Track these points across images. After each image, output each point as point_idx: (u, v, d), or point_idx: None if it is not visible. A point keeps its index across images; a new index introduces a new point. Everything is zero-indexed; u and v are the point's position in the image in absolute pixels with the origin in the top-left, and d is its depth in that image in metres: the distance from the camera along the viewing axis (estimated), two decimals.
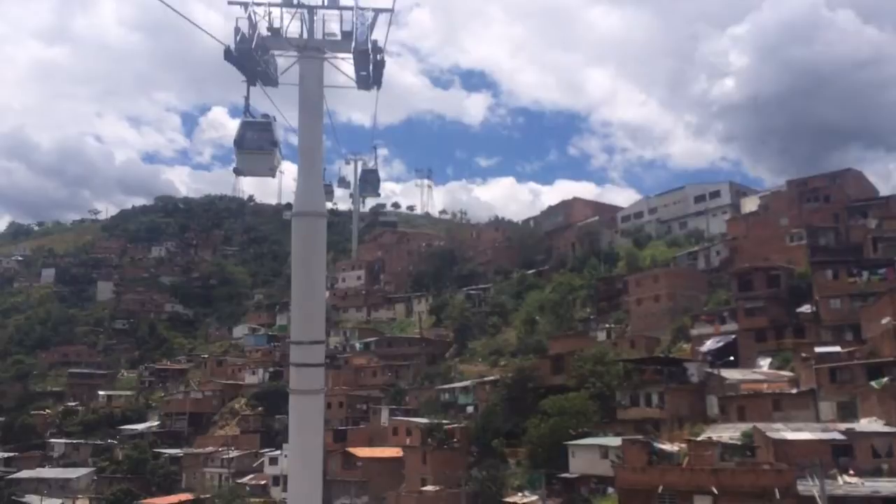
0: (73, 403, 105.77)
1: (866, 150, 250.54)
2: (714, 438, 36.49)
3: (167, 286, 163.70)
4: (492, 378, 68.30)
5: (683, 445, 37.35)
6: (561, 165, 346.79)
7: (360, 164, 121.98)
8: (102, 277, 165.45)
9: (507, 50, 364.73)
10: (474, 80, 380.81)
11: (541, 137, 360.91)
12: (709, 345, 52.99)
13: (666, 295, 64.01)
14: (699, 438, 37.86)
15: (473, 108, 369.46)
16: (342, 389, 79.79)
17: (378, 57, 21.80)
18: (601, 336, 67.46)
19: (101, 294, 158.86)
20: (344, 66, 22.80)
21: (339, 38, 21.96)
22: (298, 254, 21.64)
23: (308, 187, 21.36)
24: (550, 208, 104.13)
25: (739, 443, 33.81)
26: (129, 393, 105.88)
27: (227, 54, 20.17)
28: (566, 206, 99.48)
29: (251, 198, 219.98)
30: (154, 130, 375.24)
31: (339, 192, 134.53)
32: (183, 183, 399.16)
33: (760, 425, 34.52)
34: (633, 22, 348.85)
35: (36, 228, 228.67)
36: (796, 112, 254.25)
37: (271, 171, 19.76)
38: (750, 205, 78.08)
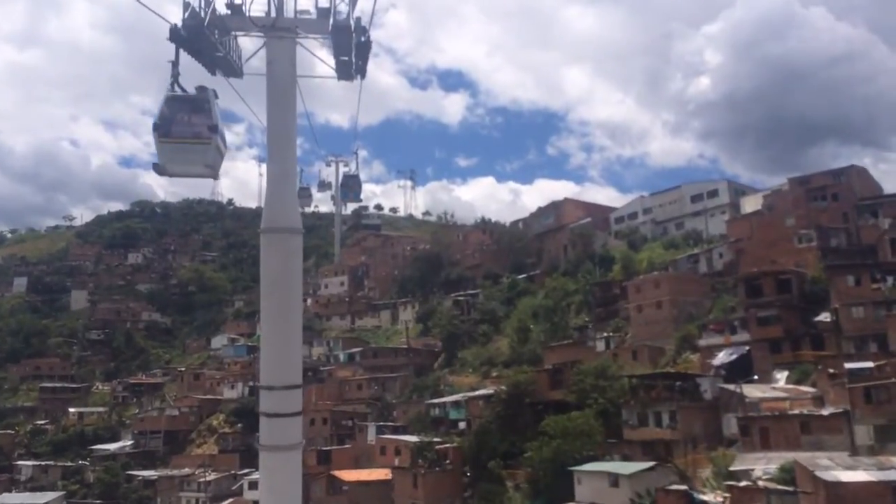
0: (43, 422, 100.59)
1: (842, 145, 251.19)
2: (752, 476, 32.49)
3: (144, 294, 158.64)
4: (485, 392, 64.38)
5: (727, 495, 33.11)
6: (540, 165, 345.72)
7: (341, 165, 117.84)
8: (76, 286, 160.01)
9: (484, 49, 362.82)
10: (452, 80, 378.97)
11: (519, 137, 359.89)
12: (721, 357, 49.36)
13: (668, 301, 60.42)
14: (733, 470, 34.12)
15: (452, 107, 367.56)
16: (326, 405, 75.65)
17: (362, 38, 17.81)
18: (600, 345, 63.80)
19: (76, 303, 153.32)
20: (321, 51, 18.68)
21: (313, 15, 17.99)
22: (269, 278, 17.55)
23: (280, 196, 17.29)
24: (540, 209, 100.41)
25: (790, 488, 29.67)
26: (101, 409, 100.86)
27: (174, 34, 16.05)
28: (556, 207, 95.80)
29: (230, 201, 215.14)
30: (130, 134, 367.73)
31: (319, 195, 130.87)
32: (161, 187, 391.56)
33: (801, 459, 30.83)
34: (609, 21, 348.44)
35: (9, 236, 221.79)
36: (772, 108, 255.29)
37: (210, 170, 14.36)
38: (750, 204, 74.80)
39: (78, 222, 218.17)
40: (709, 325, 54.92)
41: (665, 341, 59.13)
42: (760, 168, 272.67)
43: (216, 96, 14.84)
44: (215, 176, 15.46)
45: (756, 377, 46.58)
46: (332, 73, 19.61)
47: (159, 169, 14.04)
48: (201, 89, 14.54)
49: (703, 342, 53.67)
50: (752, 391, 42.01)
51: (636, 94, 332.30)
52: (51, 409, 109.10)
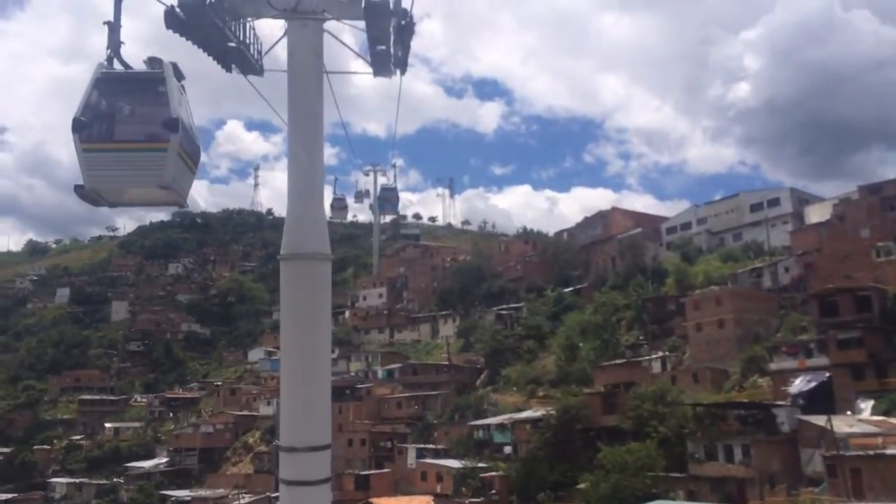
0: (79, 437, 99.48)
1: (888, 150, 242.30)
2: None
3: (184, 304, 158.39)
4: (532, 415, 60.60)
5: None
6: (577, 172, 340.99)
7: (378, 174, 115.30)
8: (117, 296, 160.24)
9: (519, 58, 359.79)
10: (487, 89, 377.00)
11: (555, 145, 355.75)
12: (798, 385, 44.76)
13: (732, 320, 55.88)
14: None
15: (487, 116, 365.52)
16: (364, 424, 72.50)
17: (403, 22, 14.51)
18: (655, 366, 59.56)
19: (116, 314, 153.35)
20: (352, 39, 15.07)
21: None
22: (292, 313, 14.24)
23: (304, 215, 13.99)
24: (586, 219, 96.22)
25: None
26: (137, 425, 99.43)
27: (169, 18, 12.90)
28: (604, 216, 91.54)
29: (270, 211, 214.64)
30: None
31: (356, 205, 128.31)
32: (202, 197, 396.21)
33: None
34: (645, 27, 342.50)
35: (53, 246, 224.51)
36: (815, 114, 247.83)
37: (172, 194, 9.27)
38: (816, 214, 69.80)
39: (121, 233, 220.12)
40: (780, 346, 50.30)
41: (728, 363, 54.66)
42: (803, 174, 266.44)
43: (180, 74, 10.12)
44: (181, 201, 9.75)
45: (838, 407, 42.04)
46: (367, 68, 16.22)
47: (85, 194, 9.11)
48: (154, 62, 9.69)
49: (774, 366, 49.09)
50: (838, 424, 37.53)
51: (674, 100, 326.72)
52: (89, 421, 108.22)
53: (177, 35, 13.62)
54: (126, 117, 9.13)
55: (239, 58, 15.07)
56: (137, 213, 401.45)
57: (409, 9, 14.35)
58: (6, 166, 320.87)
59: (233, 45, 14.50)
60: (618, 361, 62.81)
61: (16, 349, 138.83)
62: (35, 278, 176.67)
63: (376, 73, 16.37)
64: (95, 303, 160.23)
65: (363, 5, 13.61)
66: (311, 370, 14.27)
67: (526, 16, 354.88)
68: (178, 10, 13.02)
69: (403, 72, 16.38)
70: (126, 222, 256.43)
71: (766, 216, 74.32)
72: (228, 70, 15.57)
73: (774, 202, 74.99)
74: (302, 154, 14.47)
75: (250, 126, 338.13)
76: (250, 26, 15.06)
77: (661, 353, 61.52)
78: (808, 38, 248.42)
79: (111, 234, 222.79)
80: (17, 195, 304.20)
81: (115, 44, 9.80)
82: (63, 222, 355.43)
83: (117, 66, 9.67)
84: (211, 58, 15.02)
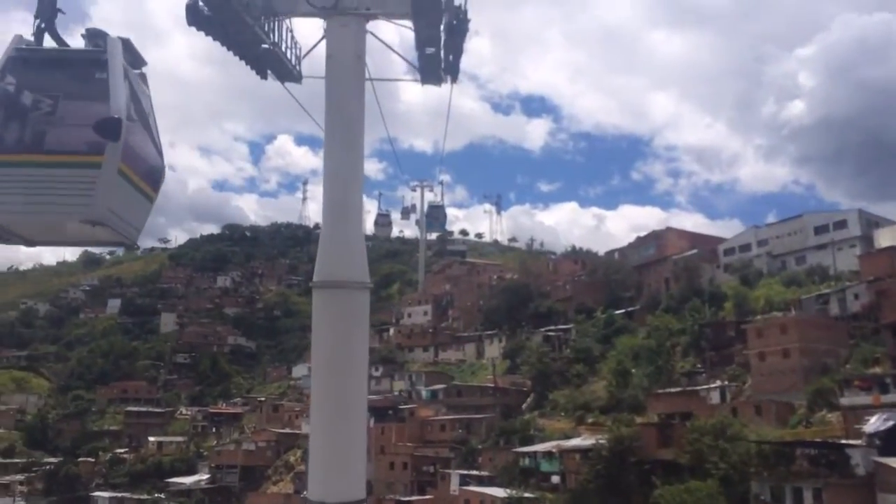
0: (122, 450, 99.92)
1: None
2: None
3: (231, 317, 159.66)
4: (582, 443, 57.88)
5: None
6: (624, 190, 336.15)
7: (425, 190, 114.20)
8: (167, 308, 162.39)
9: (567, 75, 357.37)
10: (534, 106, 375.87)
11: (603, 162, 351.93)
12: (875, 423, 41.17)
13: (798, 349, 52.41)
14: None
15: (534, 133, 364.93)
16: (406, 447, 70.64)
17: (454, 21, 12.72)
18: (714, 397, 56.34)
19: (165, 326, 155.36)
20: (397, 39, 13.41)
21: None
22: (325, 349, 12.55)
23: (340, 238, 12.29)
24: (639, 239, 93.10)
25: None
26: (180, 439, 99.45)
27: (192, 13, 11.38)
28: (658, 236, 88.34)
29: (317, 225, 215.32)
30: (223, 160, 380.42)
31: (402, 222, 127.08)
32: (251, 210, 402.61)
33: None
34: (696, 45, 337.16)
35: (107, 257, 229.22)
36: (872, 133, 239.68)
37: (115, 232, 7.18)
38: (886, 238, 65.65)
39: (172, 245, 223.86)
40: (852, 380, 46.79)
41: (794, 396, 51.18)
42: (861, 195, 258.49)
43: (135, 57, 7.47)
44: (127, 239, 7.48)
45: None
46: (411, 74, 14.52)
47: None
48: (94, 36, 7.02)
49: (845, 401, 45.58)
50: None
51: (726, 118, 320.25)
52: (134, 433, 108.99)
53: (203, 34, 12.03)
54: (44, 117, 6.28)
55: (275, 63, 13.35)
56: (189, 226, 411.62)
57: (462, 4, 12.51)
58: None
59: (267, 47, 12.82)
60: (673, 390, 59.72)
61: (67, 359, 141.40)
62: (88, 289, 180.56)
63: (424, 80, 14.49)
64: (145, 314, 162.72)
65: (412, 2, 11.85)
66: (345, 417, 12.36)
67: (575, 33, 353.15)
68: (201, 3, 11.43)
69: (455, 79, 14.45)
70: (178, 234, 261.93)
71: (833, 239, 70.37)
72: (263, 76, 13.88)
73: (841, 224, 71.01)
74: (340, 168, 12.71)
75: (300, 141, 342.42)
76: (287, 27, 13.39)
77: (719, 383, 58.24)
78: (864, 56, 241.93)
79: (163, 245, 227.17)
80: None
81: (46, 9, 6.73)
82: None
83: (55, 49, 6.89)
84: (244, 62, 13.40)
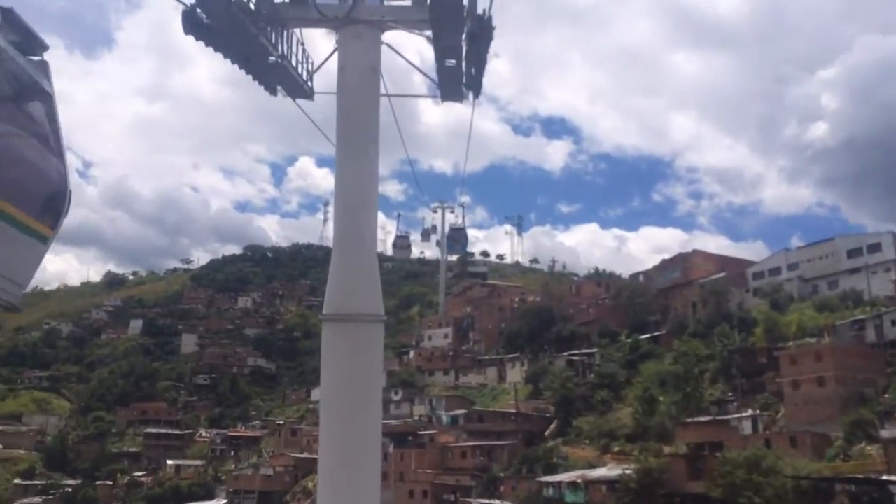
0: (141, 473, 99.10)
1: None
2: None
3: (251, 339, 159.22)
4: (607, 473, 56.02)
5: None
6: (645, 211, 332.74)
7: (446, 211, 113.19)
8: (188, 329, 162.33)
9: (587, 96, 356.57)
10: (555, 127, 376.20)
11: (624, 183, 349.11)
12: None
13: (834, 378, 50.39)
14: None
15: (554, 154, 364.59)
16: (426, 474, 69.06)
17: (477, 30, 11.61)
18: (746, 427, 54.25)
19: (186, 346, 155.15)
20: (414, 53, 12.30)
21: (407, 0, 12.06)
22: (333, 392, 11.41)
23: (352, 266, 11.16)
24: (664, 262, 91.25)
25: None
26: (198, 463, 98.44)
27: (188, 20, 10.40)
28: (684, 259, 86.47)
29: None
30: (246, 181, 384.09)
31: (422, 243, 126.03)
32: (273, 231, 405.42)
33: None
34: (717, 66, 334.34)
35: (130, 278, 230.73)
36: None
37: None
38: None
39: (195, 265, 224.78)
40: (893, 411, 44.67)
41: (830, 427, 49.06)
42: (886, 217, 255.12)
43: (27, 38, 5.42)
44: (7, 302, 5.78)
45: None
46: (429, 89, 13.42)
47: None
48: None
49: (886, 433, 43.47)
50: None
51: (748, 139, 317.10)
52: (153, 456, 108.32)
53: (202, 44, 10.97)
54: None
55: (284, 77, 12.30)
56: (212, 246, 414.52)
57: (486, 10, 11.37)
58: (91, 199, 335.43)
59: (275, 60, 11.75)
60: (702, 419, 57.73)
61: (88, 379, 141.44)
62: (110, 309, 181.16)
63: (444, 96, 13.28)
64: (166, 335, 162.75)
65: (428, 3, 10.75)
66: (356, 466, 11.12)
67: (594, 54, 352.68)
68: (199, 11, 10.43)
69: (477, 94, 13.21)
70: (201, 255, 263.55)
71: (867, 262, 68.17)
72: (273, 92, 12.75)
73: (875, 247, 68.85)
74: (352, 190, 11.53)
75: (321, 162, 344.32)
76: (297, 39, 12.33)
77: (751, 412, 56.17)
78: (888, 77, 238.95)
79: (185, 266, 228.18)
80: (100, 227, 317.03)
81: None
82: (142, 254, 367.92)
83: None
84: (251, 77, 12.35)
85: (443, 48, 11.74)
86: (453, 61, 12.04)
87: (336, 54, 11.93)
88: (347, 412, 11.10)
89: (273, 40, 11.43)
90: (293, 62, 12.11)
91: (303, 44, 12.36)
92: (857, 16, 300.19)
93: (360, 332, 11.27)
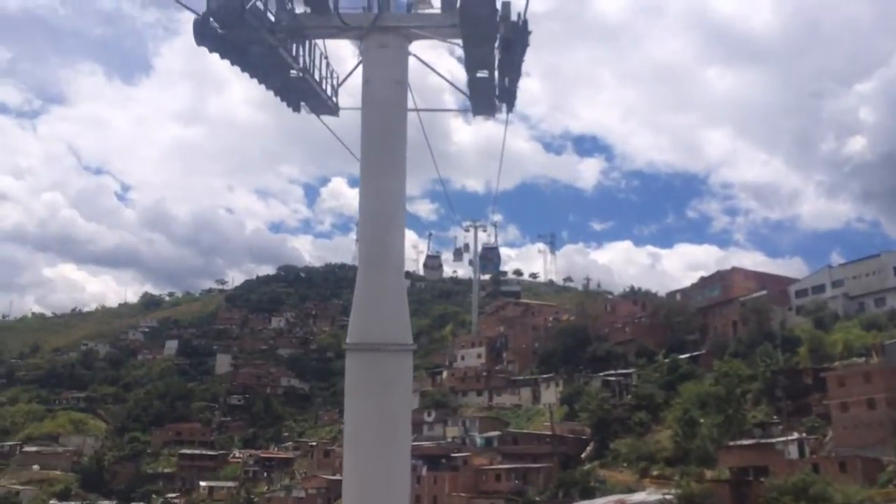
0: (174, 495, 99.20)
1: None
2: None
3: (285, 359, 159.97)
4: (647, 498, 54.15)
5: None
6: (679, 228, 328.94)
7: (479, 230, 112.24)
8: (222, 349, 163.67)
9: (619, 114, 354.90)
10: (586, 145, 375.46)
11: (657, 200, 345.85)
12: None
13: (885, 400, 48.29)
14: None
15: (587, 172, 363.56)
16: (460, 498, 67.79)
17: (511, 36, 10.83)
18: (792, 451, 52.20)
19: (220, 367, 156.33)
20: (444, 71, 11.71)
21: (436, 6, 11.34)
22: (359, 423, 10.62)
23: (379, 293, 10.42)
24: (703, 279, 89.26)
25: None
26: (231, 484, 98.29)
27: (200, 30, 9.81)
28: (723, 277, 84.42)
29: None
30: (279, 202, 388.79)
31: (454, 262, 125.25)
32: (306, 251, 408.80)
33: None
34: (750, 81, 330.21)
35: (167, 299, 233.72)
36: None
37: None
38: None
39: (229, 286, 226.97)
40: None
41: (881, 451, 46.93)
42: None
43: None
44: None
45: None
46: (458, 105, 12.47)
47: None
48: None
49: None
50: None
51: (784, 154, 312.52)
52: (187, 476, 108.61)
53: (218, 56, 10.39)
54: None
55: (308, 93, 11.65)
56: (246, 267, 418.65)
57: (520, 15, 10.64)
58: (130, 222, 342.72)
59: (297, 73, 11.13)
60: (746, 442, 55.75)
61: (125, 400, 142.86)
62: (147, 330, 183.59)
63: (476, 110, 12.48)
64: (201, 355, 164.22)
65: (458, 8, 10.04)
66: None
67: (626, 72, 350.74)
68: (212, 21, 9.83)
69: (511, 106, 12.33)
70: (236, 275, 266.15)
71: None
72: (296, 109, 12.05)
73: None
74: (378, 210, 10.78)
75: (353, 182, 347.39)
76: (321, 53, 11.71)
77: (797, 435, 54.04)
78: None
79: (220, 287, 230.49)
80: (138, 248, 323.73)
81: None
82: (179, 275, 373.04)
83: None
84: (272, 92, 11.74)
85: (474, 57, 11.01)
86: (485, 72, 11.31)
87: (361, 67, 11.26)
88: (373, 450, 10.30)
89: (294, 53, 10.81)
90: (316, 76, 11.48)
91: (326, 56, 11.72)
92: (894, 29, 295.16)
93: (387, 363, 10.52)
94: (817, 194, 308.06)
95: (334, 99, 12.14)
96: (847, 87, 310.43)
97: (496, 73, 11.36)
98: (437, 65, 13.20)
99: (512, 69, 11.08)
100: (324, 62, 11.63)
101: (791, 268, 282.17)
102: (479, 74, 11.29)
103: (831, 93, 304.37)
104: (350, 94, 11.99)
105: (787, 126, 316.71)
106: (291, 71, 10.86)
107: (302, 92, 11.48)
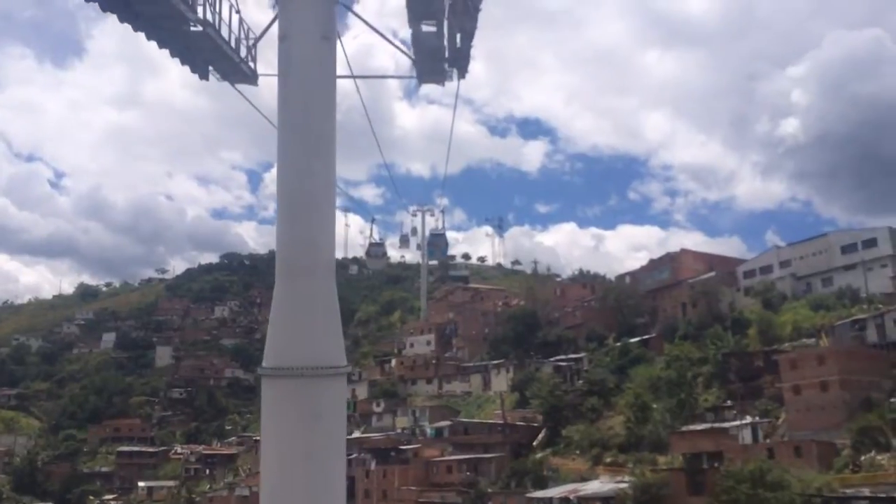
0: (111, 497, 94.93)
1: None
2: None
3: (229, 349, 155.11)
4: (601, 488, 53.15)
5: None
6: (622, 210, 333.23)
7: (426, 215, 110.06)
8: (162, 341, 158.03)
9: (562, 97, 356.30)
10: (531, 128, 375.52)
11: (600, 182, 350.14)
12: None
13: (838, 382, 47.93)
14: None
15: (531, 155, 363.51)
16: (411, 492, 65.85)
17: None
18: (746, 435, 51.62)
19: (161, 359, 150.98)
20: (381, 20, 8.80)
21: None
22: (277, 464, 8.39)
23: (303, 301, 8.28)
24: (652, 262, 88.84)
25: None
26: (171, 483, 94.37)
27: None
28: (672, 259, 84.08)
29: None
30: (221, 188, 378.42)
31: (398, 248, 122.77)
32: (251, 237, 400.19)
33: None
34: (688, 64, 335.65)
35: (104, 289, 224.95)
36: (868, 148, 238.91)
37: None
38: None
39: (170, 275, 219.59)
40: None
41: (835, 434, 46.56)
42: (858, 209, 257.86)
43: None
44: None
45: None
46: (404, 68, 10.52)
47: None
48: None
49: None
50: None
51: (721, 136, 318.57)
52: (126, 475, 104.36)
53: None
54: None
55: (214, 55, 9.14)
56: (189, 255, 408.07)
57: None
58: (64, 209, 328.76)
59: (197, 29, 8.67)
60: (699, 426, 55.10)
61: (59, 396, 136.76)
62: (82, 322, 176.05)
63: (423, 76, 10.21)
64: (141, 348, 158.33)
65: None
66: None
67: (568, 55, 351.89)
68: None
69: (463, 72, 10.04)
70: (177, 264, 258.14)
71: (862, 258, 65.99)
72: (203, 76, 9.44)
73: (870, 243, 66.67)
74: (299, 195, 8.57)
75: None
76: (230, 5, 9.24)
77: (750, 419, 53.56)
78: (857, 73, 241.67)
79: (160, 276, 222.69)
80: (73, 237, 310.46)
81: None
82: (117, 264, 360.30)
83: None
84: (169, 53, 9.23)
85: (419, 7, 8.70)
86: (433, 24, 8.98)
87: (277, 21, 8.82)
88: (298, 492, 8.07)
89: (191, 3, 8.32)
90: (224, 33, 8.97)
91: (238, 11, 9.22)
92: (826, 12, 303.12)
93: (313, 391, 8.23)
94: (753, 175, 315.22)
95: (251, 64, 9.67)
96: (781, 70, 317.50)
97: (446, 33, 9.10)
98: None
99: (466, 20, 8.79)
100: (235, 17, 9.17)
101: (730, 247, 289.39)
102: (424, 27, 8.98)
103: (765, 75, 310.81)
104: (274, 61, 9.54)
105: (723, 108, 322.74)
106: (191, 25, 8.42)
107: (207, 52, 9.01)
